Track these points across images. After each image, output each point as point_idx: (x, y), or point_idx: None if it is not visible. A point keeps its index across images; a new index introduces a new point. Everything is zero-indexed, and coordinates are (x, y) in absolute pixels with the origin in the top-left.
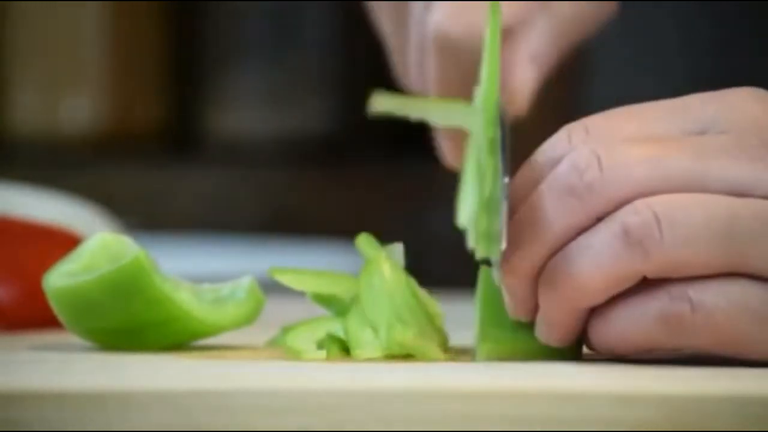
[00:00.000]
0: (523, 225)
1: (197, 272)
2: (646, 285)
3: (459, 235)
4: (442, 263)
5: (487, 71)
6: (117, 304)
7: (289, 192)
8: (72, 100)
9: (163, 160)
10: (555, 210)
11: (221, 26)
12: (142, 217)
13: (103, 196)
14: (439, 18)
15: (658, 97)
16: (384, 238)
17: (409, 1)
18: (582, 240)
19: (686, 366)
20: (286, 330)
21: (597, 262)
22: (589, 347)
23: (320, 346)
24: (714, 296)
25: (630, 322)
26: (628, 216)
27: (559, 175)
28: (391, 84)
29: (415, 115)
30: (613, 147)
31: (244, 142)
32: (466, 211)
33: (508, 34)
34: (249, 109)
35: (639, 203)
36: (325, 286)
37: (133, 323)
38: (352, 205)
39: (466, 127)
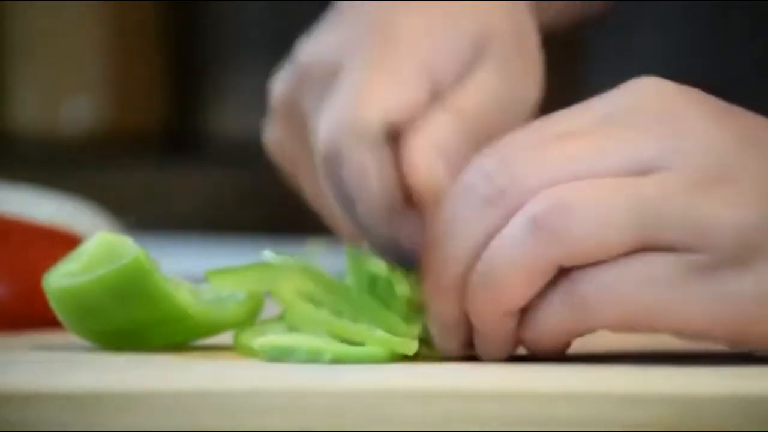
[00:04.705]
0: (440, 241)
1: (197, 272)
2: (557, 276)
3: None
4: None
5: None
6: (117, 304)
7: (289, 192)
8: (72, 100)
9: (163, 160)
10: (471, 219)
11: (221, 26)
12: (142, 217)
13: (103, 196)
14: (320, 137)
15: None
16: None
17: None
18: (495, 242)
19: (688, 366)
20: (238, 333)
21: (511, 258)
22: (527, 349)
23: (263, 350)
24: (618, 271)
25: (544, 314)
26: (534, 206)
27: (468, 184)
28: None
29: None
30: (517, 152)
31: (244, 142)
32: None
33: (401, 132)
34: (249, 109)
35: (544, 192)
36: (262, 284)
37: (133, 323)
38: None
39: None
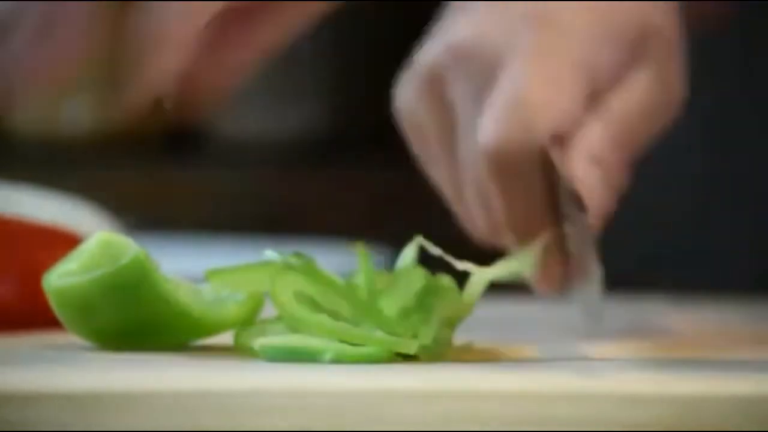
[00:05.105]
0: None
1: (197, 272)
2: None
3: (456, 236)
4: (441, 263)
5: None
6: (117, 304)
7: (289, 192)
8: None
9: (163, 160)
10: None
11: None
12: (142, 217)
13: (103, 196)
14: (489, 135)
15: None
16: (384, 238)
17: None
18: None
19: (688, 366)
20: (238, 333)
21: None
22: None
23: (263, 351)
24: None
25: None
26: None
27: None
28: (391, 84)
29: None
30: None
31: (244, 142)
32: None
33: (562, 139)
34: (249, 109)
35: None
36: (262, 284)
37: (133, 323)
38: (352, 204)
39: None
